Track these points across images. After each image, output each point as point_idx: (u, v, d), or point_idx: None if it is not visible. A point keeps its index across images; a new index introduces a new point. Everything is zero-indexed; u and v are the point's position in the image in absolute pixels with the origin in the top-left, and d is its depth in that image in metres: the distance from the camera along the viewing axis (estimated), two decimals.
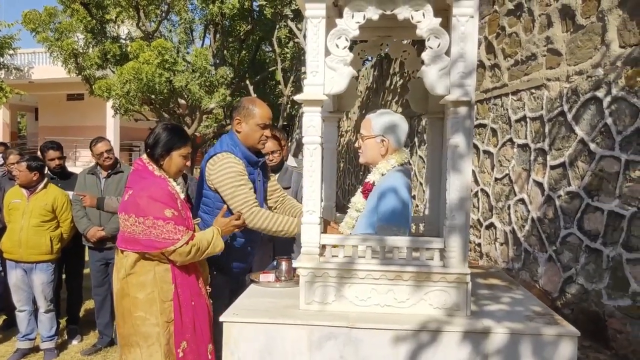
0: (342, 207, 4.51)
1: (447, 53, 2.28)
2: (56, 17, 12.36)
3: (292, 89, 11.09)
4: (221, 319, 2.25)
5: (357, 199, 2.76)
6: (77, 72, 12.21)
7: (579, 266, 3.69)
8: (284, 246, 4.15)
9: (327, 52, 2.34)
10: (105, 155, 4.80)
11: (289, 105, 11.59)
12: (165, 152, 2.68)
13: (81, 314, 5.46)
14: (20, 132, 28.91)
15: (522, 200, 4.35)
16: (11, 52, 19.55)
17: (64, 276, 5.31)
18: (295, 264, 2.38)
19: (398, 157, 2.72)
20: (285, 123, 11.26)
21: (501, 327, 2.15)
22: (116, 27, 12.58)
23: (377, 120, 2.73)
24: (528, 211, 4.30)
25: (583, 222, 3.63)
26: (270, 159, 4.65)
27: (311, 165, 2.34)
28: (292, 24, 7.76)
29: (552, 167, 4.00)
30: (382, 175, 2.70)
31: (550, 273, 4.01)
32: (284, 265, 2.89)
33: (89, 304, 5.77)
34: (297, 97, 2.35)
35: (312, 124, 2.33)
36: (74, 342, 5.16)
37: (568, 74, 3.86)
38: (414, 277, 2.30)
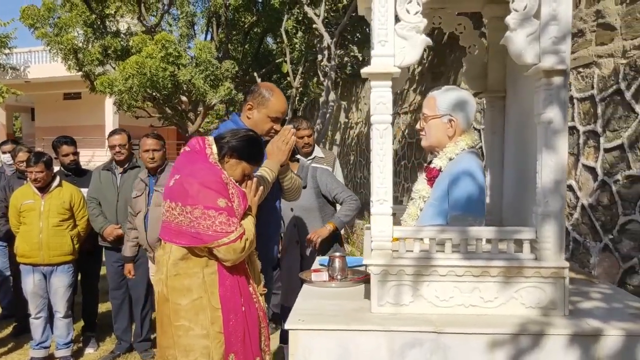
0: (361, 204, 4.24)
1: (537, 16, 1.99)
2: (55, 12, 12.01)
3: (301, 80, 10.77)
4: (286, 326, 1.96)
5: (422, 187, 2.47)
6: (77, 68, 11.86)
7: None
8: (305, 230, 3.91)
9: (397, 20, 2.05)
10: (118, 149, 4.51)
11: (297, 98, 11.27)
12: (238, 156, 2.38)
13: (97, 318, 5.16)
14: (15, 133, 28.47)
15: (569, 187, 4.09)
16: (7, 51, 19.15)
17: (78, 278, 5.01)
18: (365, 260, 2.09)
19: (468, 138, 2.43)
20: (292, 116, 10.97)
21: (613, 329, 1.86)
22: (116, 21, 12.23)
23: (443, 98, 2.43)
24: (577, 198, 4.04)
25: None
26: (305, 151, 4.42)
27: (381, 148, 2.06)
28: (308, 9, 7.44)
29: (607, 150, 3.73)
30: (450, 160, 2.41)
31: (607, 264, 3.75)
32: (337, 262, 2.61)
33: (103, 307, 5.48)
34: (364, 70, 2.05)
35: (381, 100, 2.04)
36: (90, 349, 4.87)
37: (625, 49, 3.60)
38: (503, 273, 2.02)
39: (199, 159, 2.32)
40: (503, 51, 2.88)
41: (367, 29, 9.88)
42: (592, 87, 3.92)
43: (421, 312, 2.04)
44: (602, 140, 3.83)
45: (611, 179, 3.73)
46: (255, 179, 2.45)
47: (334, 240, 3.96)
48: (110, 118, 21.03)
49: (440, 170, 2.43)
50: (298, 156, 4.15)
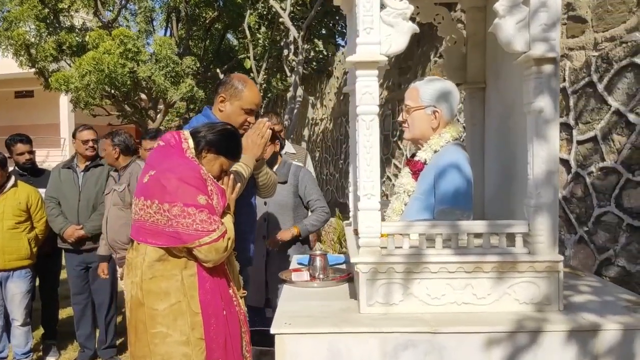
0: (327, 201, 4.14)
1: (526, 2, 1.93)
2: (4, 6, 11.47)
3: (264, 76, 10.60)
4: (272, 330, 1.84)
5: (406, 181, 2.38)
6: (29, 64, 11.35)
7: (618, 247, 3.45)
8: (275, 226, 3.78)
9: (382, 7, 1.95)
10: (91, 143, 4.34)
11: (261, 94, 11.09)
12: (216, 151, 2.24)
13: (57, 325, 4.90)
14: None
15: None
16: None
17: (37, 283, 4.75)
18: (352, 258, 1.99)
19: (453, 130, 2.35)
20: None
21: (611, 323, 1.81)
22: (70, 16, 11.76)
23: (426, 88, 2.35)
24: None
25: (622, 199, 3.39)
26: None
27: (368, 140, 1.95)
28: (274, 3, 7.28)
29: (580, 142, 3.74)
30: (435, 152, 2.33)
31: (582, 256, 3.76)
32: (318, 261, 2.50)
33: (64, 313, 5.23)
34: (349, 59, 1.95)
35: (367, 90, 1.94)
36: (51, 358, 4.62)
37: (596, 41, 3.60)
38: (496, 268, 1.95)
39: (175, 153, 2.17)
40: (482, 42, 2.84)
41: (332, 24, 9.80)
42: (564, 80, 3.92)
43: (412, 311, 1.95)
44: (574, 132, 3.83)
45: (585, 171, 3.73)
46: (232, 175, 2.31)
47: (295, 239, 3.82)
48: (65, 116, 20.35)
49: (425, 163, 2.35)
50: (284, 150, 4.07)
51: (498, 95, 2.63)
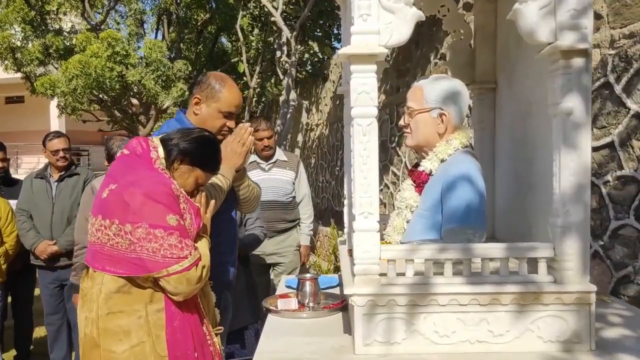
0: (322, 209, 3.90)
1: None
2: None
3: (258, 80, 10.29)
4: None
5: (409, 195, 2.06)
6: (15, 68, 11.03)
7: (638, 263, 3.16)
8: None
9: None
10: (62, 153, 3.99)
11: (254, 99, 10.79)
12: (191, 162, 1.92)
13: (32, 345, 4.57)
14: None
15: None
16: None
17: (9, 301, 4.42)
18: (346, 289, 1.67)
19: (462, 136, 2.04)
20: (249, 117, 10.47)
21: None
22: (58, 19, 11.45)
23: (431, 88, 2.04)
24: None
25: None
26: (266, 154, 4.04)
27: (365, 148, 1.64)
28: (266, 1, 6.97)
29: (595, 149, 3.45)
30: (442, 161, 2.02)
31: (597, 272, 3.47)
32: (308, 286, 2.19)
33: (37, 333, 4.89)
34: (342, 51, 1.65)
35: (364, 89, 1.63)
36: None
37: (613, 39, 3.32)
38: (516, 300, 1.64)
39: (142, 164, 1.84)
40: (492, 36, 2.54)
41: (328, 25, 9.51)
42: None
43: (418, 351, 1.64)
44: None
45: (600, 180, 3.44)
46: (204, 192, 1.98)
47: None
48: (56, 122, 19.99)
49: (430, 174, 2.04)
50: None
51: (512, 95, 2.33)
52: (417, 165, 2.14)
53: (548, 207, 1.83)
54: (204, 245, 1.84)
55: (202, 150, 1.96)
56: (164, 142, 1.94)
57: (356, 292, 1.64)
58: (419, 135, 2.07)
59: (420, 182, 2.05)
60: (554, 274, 1.65)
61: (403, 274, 1.68)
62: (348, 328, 1.91)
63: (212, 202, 1.97)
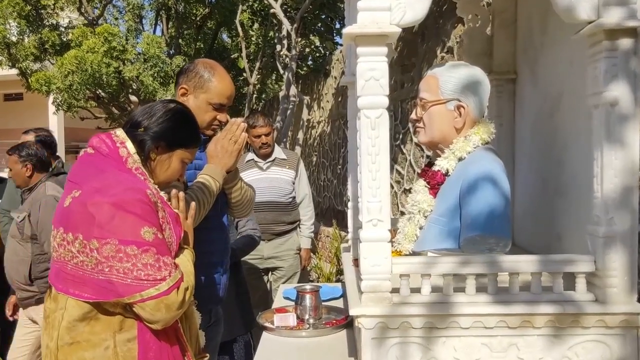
0: (324, 208, 3.69)
1: None
2: None
3: (258, 76, 10.04)
4: None
5: (422, 197, 1.82)
6: (10, 64, 10.79)
7: None
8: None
9: None
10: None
11: (255, 96, 10.54)
12: (167, 145, 1.65)
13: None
14: None
15: None
16: None
17: None
18: (351, 309, 1.44)
19: (482, 131, 1.80)
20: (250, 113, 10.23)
21: None
22: (55, 14, 11.20)
23: (448, 77, 1.80)
24: None
25: None
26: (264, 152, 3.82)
27: (374, 145, 1.40)
28: None
29: None
30: (460, 160, 1.79)
31: None
32: (308, 299, 1.95)
33: None
34: (347, 31, 1.40)
35: (373, 75, 1.39)
36: None
37: None
38: (551, 322, 1.40)
39: (111, 165, 1.56)
40: (512, 22, 2.30)
41: (330, 18, 9.25)
42: None
43: None
44: None
45: None
46: (181, 194, 1.70)
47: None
48: (55, 120, 19.78)
49: (446, 174, 1.80)
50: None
51: (535, 87, 2.09)
52: (430, 164, 1.90)
53: (582, 213, 1.61)
54: (187, 260, 1.57)
55: (175, 127, 1.67)
56: (131, 133, 1.64)
57: (364, 312, 1.40)
58: (433, 131, 1.82)
59: (435, 183, 1.81)
60: (595, 291, 1.42)
61: (418, 291, 1.44)
62: (353, 350, 1.68)
63: (193, 204, 1.70)
